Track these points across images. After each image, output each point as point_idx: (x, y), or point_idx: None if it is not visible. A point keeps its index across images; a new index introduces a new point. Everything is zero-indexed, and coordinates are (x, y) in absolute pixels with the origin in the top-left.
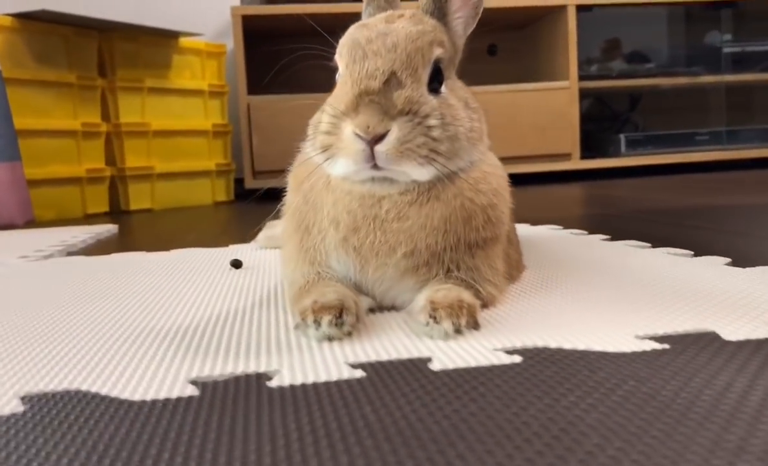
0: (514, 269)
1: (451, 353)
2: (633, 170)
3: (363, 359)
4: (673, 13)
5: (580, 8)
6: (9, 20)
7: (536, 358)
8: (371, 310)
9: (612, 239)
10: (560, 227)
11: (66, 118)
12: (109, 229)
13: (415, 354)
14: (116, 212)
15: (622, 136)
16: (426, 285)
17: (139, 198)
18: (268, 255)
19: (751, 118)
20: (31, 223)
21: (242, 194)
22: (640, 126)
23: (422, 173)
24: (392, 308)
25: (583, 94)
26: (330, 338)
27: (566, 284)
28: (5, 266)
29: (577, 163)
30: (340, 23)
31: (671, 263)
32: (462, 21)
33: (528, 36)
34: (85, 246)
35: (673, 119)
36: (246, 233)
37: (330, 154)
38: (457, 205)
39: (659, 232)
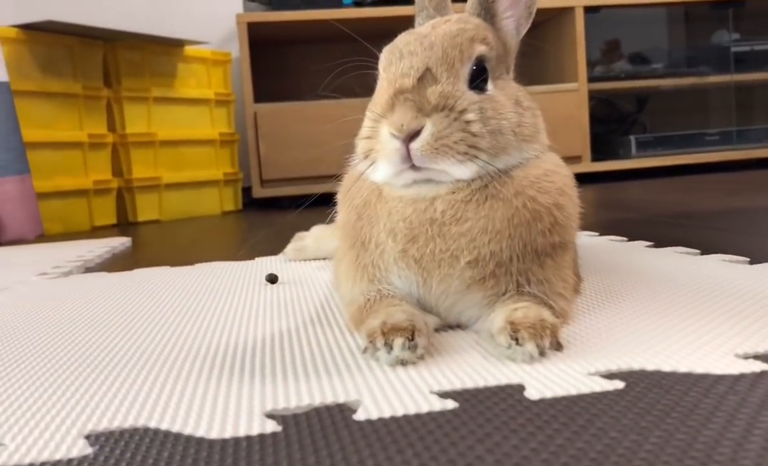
0: (578, 279)
1: (543, 379)
2: (643, 172)
3: (448, 387)
4: (679, 13)
5: (588, 9)
6: (14, 32)
7: (639, 383)
8: (436, 329)
9: (656, 246)
10: (595, 233)
11: (72, 130)
12: (122, 242)
13: (503, 381)
14: (124, 224)
15: (632, 138)
16: (494, 301)
17: (146, 209)
18: (300, 268)
19: (761, 117)
20: (41, 237)
21: (250, 203)
22: (647, 127)
23: (463, 171)
24: (458, 326)
25: (591, 95)
26: (403, 362)
27: (635, 297)
28: (26, 284)
29: (588, 166)
30: (346, 29)
31: (735, 272)
32: (513, 21)
33: (535, 38)
34: (102, 261)
35: (680, 120)
36: (266, 246)
37: (371, 159)
38: (519, 204)
39: (699, 237)
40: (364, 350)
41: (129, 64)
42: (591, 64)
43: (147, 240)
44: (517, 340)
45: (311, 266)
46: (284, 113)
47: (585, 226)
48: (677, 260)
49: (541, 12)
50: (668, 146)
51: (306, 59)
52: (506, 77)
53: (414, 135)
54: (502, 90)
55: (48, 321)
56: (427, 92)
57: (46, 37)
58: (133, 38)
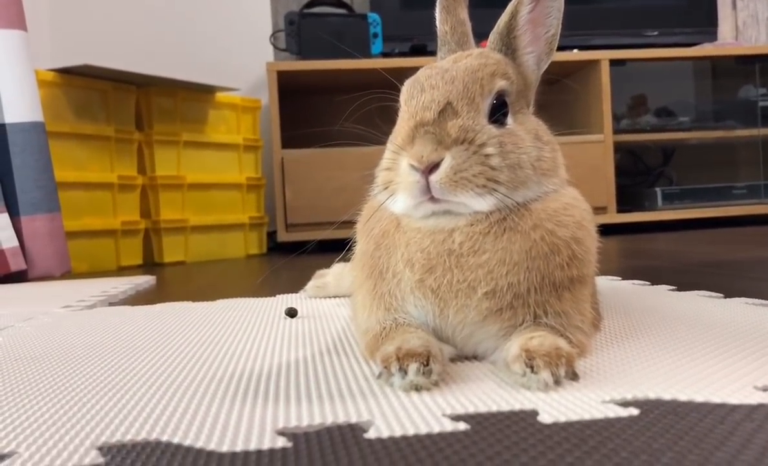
0: (597, 317)
1: (557, 405)
2: (669, 224)
3: (461, 410)
4: (705, 68)
5: (614, 62)
6: (51, 75)
7: (654, 411)
8: (451, 360)
9: (678, 289)
10: (618, 278)
11: (103, 171)
12: (147, 280)
13: (516, 406)
14: (149, 264)
15: (658, 190)
16: (511, 332)
17: (172, 251)
18: (320, 304)
19: None
20: (68, 274)
21: (275, 248)
22: (674, 180)
23: (481, 204)
24: (473, 357)
25: (617, 147)
26: (417, 388)
27: (654, 334)
28: (51, 315)
29: (613, 217)
30: (373, 78)
31: (759, 315)
32: (534, 56)
33: (561, 90)
34: (125, 297)
35: (707, 173)
36: (287, 286)
37: (391, 190)
38: (537, 237)
39: (724, 283)
40: (379, 375)
41: (161, 109)
42: (617, 118)
43: (171, 279)
44: (532, 367)
45: (331, 303)
46: (310, 159)
47: (608, 272)
48: (700, 302)
49: (567, 64)
50: (695, 199)
51: (333, 107)
52: (526, 112)
53: (433, 167)
54: (522, 124)
55: (69, 347)
56: (448, 126)
57: (81, 81)
58: (165, 83)
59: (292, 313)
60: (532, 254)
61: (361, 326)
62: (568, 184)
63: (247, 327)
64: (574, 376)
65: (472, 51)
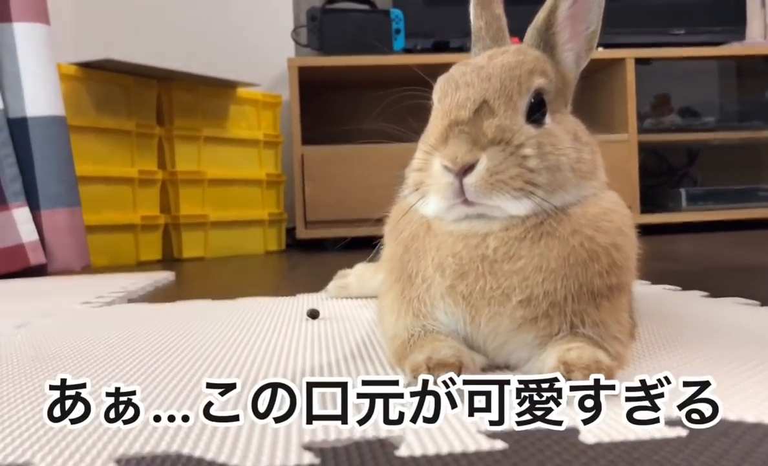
0: (634, 325)
1: (599, 423)
2: (694, 226)
3: (497, 427)
4: (731, 67)
5: (639, 61)
6: (73, 69)
7: (704, 431)
8: (482, 369)
9: (712, 296)
10: (647, 282)
11: (123, 166)
12: (166, 276)
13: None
14: (169, 260)
15: (682, 191)
16: (546, 342)
17: (192, 246)
18: (343, 305)
19: None
20: (87, 268)
21: (293, 244)
22: (698, 181)
23: (518, 207)
24: (506, 367)
25: (641, 147)
26: None
27: (693, 344)
28: (70, 312)
29: (637, 218)
30: (395, 75)
31: None
32: (573, 53)
33: (585, 89)
34: (144, 293)
35: (732, 174)
36: (307, 284)
37: (422, 192)
38: (575, 243)
39: (757, 289)
40: (407, 386)
41: (182, 104)
42: (641, 117)
43: (190, 275)
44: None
45: (353, 304)
46: (331, 156)
47: (638, 275)
48: (736, 310)
49: (592, 63)
50: (720, 200)
51: (355, 104)
52: (564, 111)
53: (468, 169)
54: (561, 124)
55: (87, 346)
56: (484, 125)
57: (103, 76)
58: (187, 79)
59: (314, 314)
60: (570, 261)
61: (388, 332)
62: (607, 188)
63: (269, 328)
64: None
65: (509, 47)
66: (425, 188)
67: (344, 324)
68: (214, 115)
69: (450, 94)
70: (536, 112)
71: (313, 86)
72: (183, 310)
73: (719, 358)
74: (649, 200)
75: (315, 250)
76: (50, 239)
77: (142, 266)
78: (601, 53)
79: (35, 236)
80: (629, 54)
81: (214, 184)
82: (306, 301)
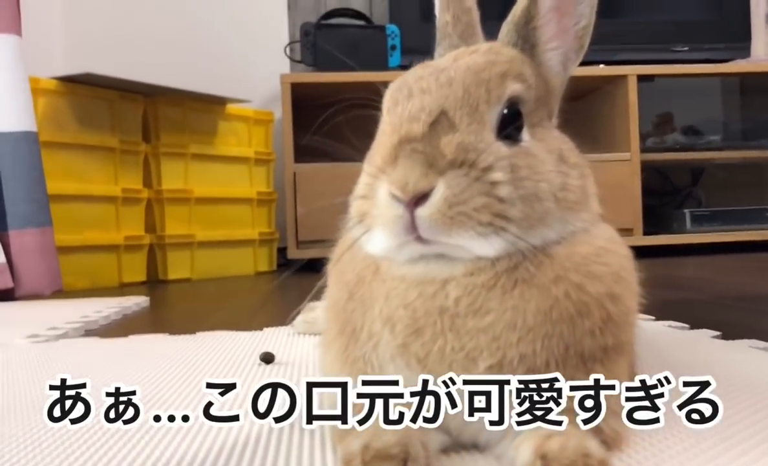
0: None
1: None
2: (697, 248)
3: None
4: (735, 84)
5: (641, 78)
6: (53, 84)
7: None
8: (443, 450)
9: (724, 337)
10: (651, 318)
11: (106, 183)
12: (138, 302)
13: None
14: (153, 281)
15: (686, 212)
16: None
17: (177, 267)
18: (306, 344)
19: None
20: (59, 293)
21: (285, 264)
22: (702, 201)
23: (485, 247)
24: (473, 446)
25: (643, 166)
26: None
27: None
28: (4, 347)
29: (639, 239)
30: None
31: None
32: (559, 53)
33: (586, 106)
34: (107, 323)
35: (737, 194)
36: (285, 313)
37: (367, 225)
38: (559, 294)
39: None
40: None
41: (168, 120)
42: (643, 136)
43: (168, 300)
44: None
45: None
46: (324, 174)
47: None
48: (753, 357)
49: (593, 80)
50: (725, 222)
51: (349, 121)
52: (548, 125)
53: (421, 198)
54: (542, 141)
55: None
56: (441, 142)
57: (85, 90)
58: (174, 94)
59: (267, 358)
60: (553, 317)
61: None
62: (601, 220)
63: (213, 374)
64: None
65: (479, 46)
66: (370, 221)
67: (298, 370)
68: (202, 132)
69: (401, 103)
70: (509, 126)
71: (305, 102)
72: (131, 346)
73: (739, 430)
74: (651, 221)
75: (307, 271)
76: (18, 261)
77: (124, 288)
78: (603, 70)
79: (2, 259)
80: (631, 71)
81: (202, 202)
82: (269, 336)
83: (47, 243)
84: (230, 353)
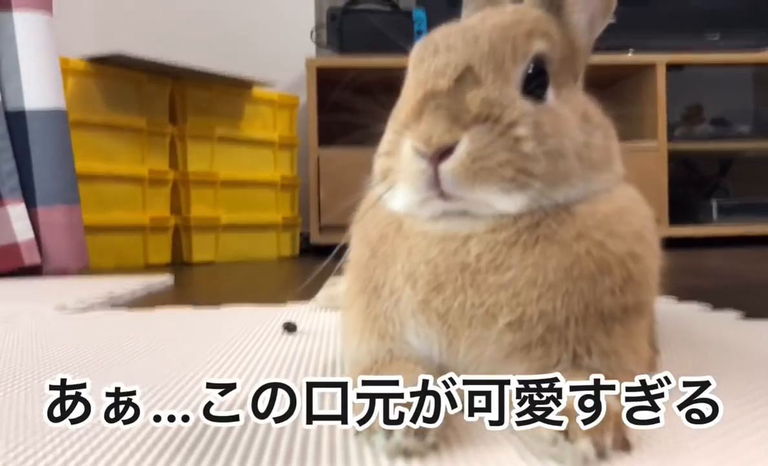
0: (655, 354)
1: None
2: (724, 240)
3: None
4: (766, 74)
5: (670, 66)
6: (82, 64)
7: None
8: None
9: (748, 317)
10: (673, 299)
11: (133, 164)
12: (163, 280)
13: None
14: (178, 263)
15: (713, 202)
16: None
17: (202, 249)
18: (328, 317)
19: None
20: (85, 270)
21: (307, 249)
22: (730, 192)
23: (508, 203)
24: None
25: (670, 156)
26: (406, 453)
27: (726, 379)
28: (35, 317)
29: (665, 230)
30: None
31: None
32: (586, 15)
33: (613, 95)
34: (132, 298)
35: (765, 186)
36: (308, 292)
37: (390, 182)
38: (581, 251)
39: None
40: (356, 434)
41: (195, 102)
42: (671, 127)
43: (192, 280)
44: (566, 433)
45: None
46: (347, 159)
47: (662, 291)
48: None
49: (621, 68)
50: (753, 213)
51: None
52: (572, 86)
53: (445, 153)
54: (567, 101)
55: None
56: (467, 98)
57: (114, 71)
58: (202, 76)
59: (290, 327)
60: (574, 274)
61: (349, 355)
62: (624, 182)
63: (237, 343)
64: (625, 445)
65: (506, 7)
66: (393, 177)
67: (320, 340)
68: (228, 115)
69: (427, 60)
70: (534, 83)
71: (330, 86)
72: (155, 319)
73: (758, 400)
74: (678, 212)
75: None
76: (46, 237)
77: (149, 269)
78: (631, 58)
79: (30, 235)
80: (660, 59)
81: (227, 185)
82: (292, 311)
83: (75, 220)
84: (253, 324)
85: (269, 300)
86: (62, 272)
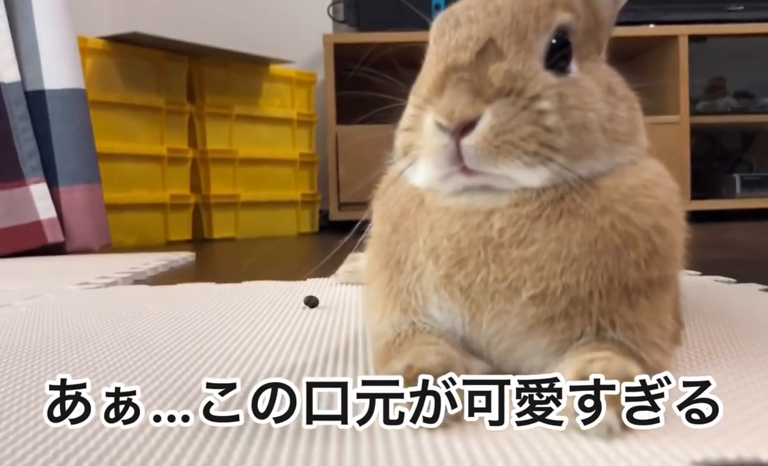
0: (679, 327)
1: (626, 464)
2: (747, 213)
3: (485, 463)
4: None
5: (693, 38)
6: (101, 43)
7: None
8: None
9: None
10: (697, 273)
11: (152, 143)
12: (185, 257)
13: (566, 462)
14: (199, 240)
15: (736, 177)
16: (566, 348)
17: (222, 226)
18: (349, 292)
19: None
20: (108, 248)
21: (327, 226)
22: (753, 166)
23: (532, 177)
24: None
25: (693, 130)
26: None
27: (751, 351)
28: (60, 293)
29: (687, 204)
30: None
31: None
32: None
33: (634, 67)
34: (155, 274)
35: None
36: (329, 267)
37: (412, 157)
38: (605, 224)
39: None
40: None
41: (213, 81)
42: (693, 101)
43: (213, 256)
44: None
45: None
46: (366, 136)
47: (685, 265)
48: None
49: (643, 40)
50: None
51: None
52: (596, 58)
53: (468, 127)
54: (590, 73)
55: (52, 335)
56: (489, 71)
57: (132, 50)
58: (219, 54)
59: (311, 302)
60: (599, 247)
61: (372, 329)
62: (649, 155)
63: (258, 318)
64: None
65: None
66: (415, 152)
67: (342, 314)
68: (246, 93)
69: (448, 33)
70: (557, 55)
71: (348, 63)
72: (180, 293)
73: None
74: (700, 186)
75: (348, 232)
76: (68, 216)
77: (171, 246)
78: (652, 30)
79: (53, 213)
80: (682, 31)
81: (246, 163)
82: (313, 286)
83: (96, 199)
84: (275, 299)
85: (289, 276)
86: (85, 250)
